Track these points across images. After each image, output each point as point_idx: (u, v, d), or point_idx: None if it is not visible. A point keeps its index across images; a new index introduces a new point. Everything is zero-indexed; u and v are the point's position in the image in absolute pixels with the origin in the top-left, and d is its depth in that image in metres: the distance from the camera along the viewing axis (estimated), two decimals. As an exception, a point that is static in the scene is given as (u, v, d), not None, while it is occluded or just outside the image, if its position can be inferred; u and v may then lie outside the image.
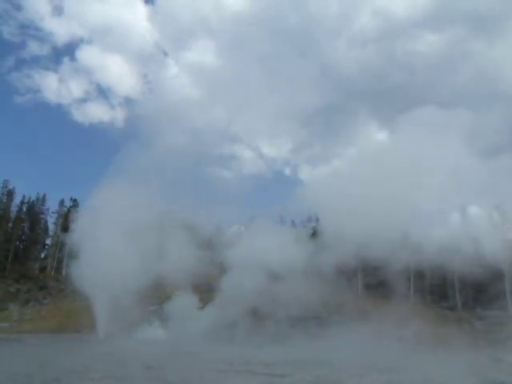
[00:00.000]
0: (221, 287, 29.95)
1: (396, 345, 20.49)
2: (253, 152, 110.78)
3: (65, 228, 47.73)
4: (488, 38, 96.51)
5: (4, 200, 48.32)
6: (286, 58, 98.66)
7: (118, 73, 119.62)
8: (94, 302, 27.79)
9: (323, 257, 28.99)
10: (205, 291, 32.35)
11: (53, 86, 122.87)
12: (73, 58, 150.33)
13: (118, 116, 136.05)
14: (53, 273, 46.22)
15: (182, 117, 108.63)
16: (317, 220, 50.95)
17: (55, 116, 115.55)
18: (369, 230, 25.69)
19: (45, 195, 52.41)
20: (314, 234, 41.38)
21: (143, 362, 15.11)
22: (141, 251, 27.54)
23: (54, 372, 12.11)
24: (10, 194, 48.90)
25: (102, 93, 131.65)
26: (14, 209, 49.58)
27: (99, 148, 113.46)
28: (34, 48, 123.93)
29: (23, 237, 51.65)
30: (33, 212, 51.58)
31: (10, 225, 48.99)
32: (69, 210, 49.76)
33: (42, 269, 47.34)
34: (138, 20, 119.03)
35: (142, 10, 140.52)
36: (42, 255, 52.31)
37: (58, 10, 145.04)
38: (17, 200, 49.79)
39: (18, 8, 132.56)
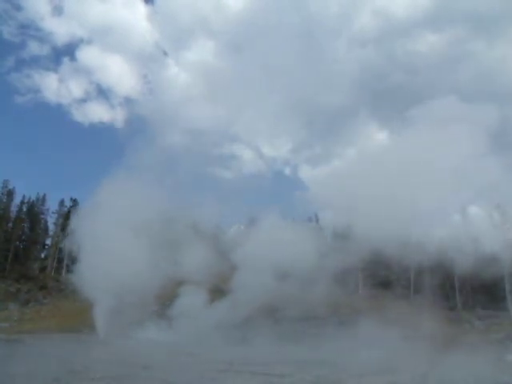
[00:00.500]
0: (232, 286, 29.64)
1: (396, 345, 20.46)
2: (253, 152, 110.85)
3: (65, 228, 47.80)
4: (488, 38, 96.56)
5: (4, 200, 48.35)
6: (286, 57, 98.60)
7: (118, 73, 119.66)
8: (94, 302, 27.75)
9: (336, 255, 28.75)
10: (214, 292, 32.07)
11: (53, 86, 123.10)
12: (73, 58, 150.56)
13: (118, 116, 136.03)
14: (53, 273, 46.27)
15: (181, 117, 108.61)
16: (317, 220, 50.98)
17: (55, 116, 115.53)
18: (379, 229, 25.61)
19: (45, 195, 52.50)
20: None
21: (143, 362, 15.10)
22: (149, 251, 27.41)
23: (54, 372, 12.10)
24: (10, 193, 48.94)
25: (102, 93, 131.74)
26: (13, 209, 49.66)
27: (99, 148, 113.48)
28: (34, 48, 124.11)
29: (23, 237, 51.68)
30: (33, 212, 51.61)
31: (10, 225, 49.02)
32: (69, 210, 49.81)
33: (42, 269, 47.41)
34: (138, 20, 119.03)
35: (142, 9, 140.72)
36: (42, 255, 52.37)
37: (58, 10, 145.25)
38: (17, 200, 49.89)
39: (18, 8, 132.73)
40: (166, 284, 29.21)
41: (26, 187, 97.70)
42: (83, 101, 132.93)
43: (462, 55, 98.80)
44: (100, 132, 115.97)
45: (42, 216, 52.19)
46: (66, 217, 49.63)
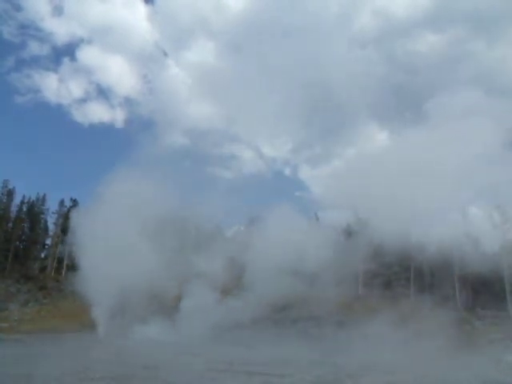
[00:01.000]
0: (243, 283, 29.44)
1: (396, 345, 20.46)
2: (253, 152, 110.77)
3: (65, 228, 47.80)
4: (488, 38, 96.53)
5: (4, 200, 48.33)
6: (286, 57, 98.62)
7: (118, 73, 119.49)
8: (94, 302, 27.73)
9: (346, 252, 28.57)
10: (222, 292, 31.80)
11: (53, 86, 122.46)
12: (73, 58, 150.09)
13: (118, 116, 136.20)
14: (53, 273, 46.24)
15: (181, 117, 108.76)
16: (317, 220, 50.92)
17: (55, 116, 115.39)
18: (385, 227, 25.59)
19: (45, 195, 52.44)
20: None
21: (143, 362, 15.11)
22: (155, 250, 27.31)
23: (53, 372, 12.10)
24: (10, 194, 48.91)
25: (102, 93, 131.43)
26: (13, 209, 49.59)
27: (99, 148, 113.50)
28: (34, 48, 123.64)
29: (23, 237, 51.66)
30: (33, 212, 51.59)
31: (10, 225, 49.01)
32: (69, 210, 49.79)
33: (42, 269, 47.36)
34: (138, 20, 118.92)
35: (142, 10, 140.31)
36: (42, 255, 52.33)
37: (58, 10, 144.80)
38: (17, 200, 49.83)
39: (18, 8, 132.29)
40: (169, 284, 29.11)
41: (26, 187, 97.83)
42: (83, 101, 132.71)
43: (462, 55, 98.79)
44: (100, 132, 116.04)
45: (42, 216, 52.17)
46: (65, 217, 49.63)
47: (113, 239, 27.00)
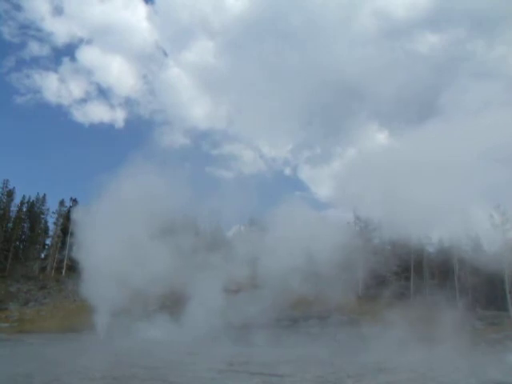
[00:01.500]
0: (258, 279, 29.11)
1: (396, 345, 20.46)
2: (253, 152, 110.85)
3: (65, 228, 47.81)
4: (488, 38, 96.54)
5: (4, 200, 48.37)
6: (286, 57, 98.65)
7: (118, 73, 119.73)
8: (95, 301, 27.68)
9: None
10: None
11: (53, 86, 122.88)
12: (73, 58, 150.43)
13: (118, 116, 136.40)
14: (53, 273, 46.24)
15: (181, 117, 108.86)
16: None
17: (55, 116, 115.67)
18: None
19: (45, 195, 52.52)
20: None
21: (143, 362, 15.11)
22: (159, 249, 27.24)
23: (53, 372, 12.10)
24: (10, 194, 48.95)
25: (102, 93, 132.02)
26: (13, 209, 49.66)
27: (99, 148, 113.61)
28: (34, 48, 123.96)
29: (23, 237, 51.72)
30: (33, 212, 51.62)
31: (10, 225, 49.02)
32: (69, 210, 49.80)
33: (42, 269, 47.36)
34: (138, 20, 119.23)
35: (142, 9, 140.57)
36: (42, 255, 52.33)
37: (58, 11, 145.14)
38: (17, 200, 49.92)
39: (18, 8, 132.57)
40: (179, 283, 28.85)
41: (26, 187, 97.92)
42: (83, 101, 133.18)
43: (462, 55, 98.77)
44: (100, 132, 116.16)
45: (42, 216, 52.21)
46: (66, 217, 49.64)
47: (120, 238, 26.84)
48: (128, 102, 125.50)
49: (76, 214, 34.68)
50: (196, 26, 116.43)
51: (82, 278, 28.20)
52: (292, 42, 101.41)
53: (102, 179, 29.23)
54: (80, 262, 29.30)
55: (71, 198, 52.11)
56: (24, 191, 72.51)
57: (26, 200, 51.13)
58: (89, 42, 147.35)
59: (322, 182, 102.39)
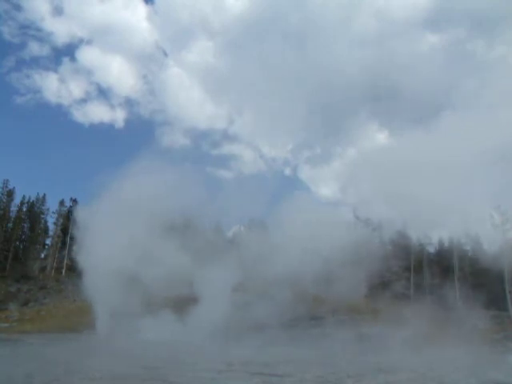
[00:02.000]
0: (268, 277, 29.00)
1: (396, 345, 20.47)
2: (253, 152, 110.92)
3: (65, 228, 47.82)
4: (488, 38, 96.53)
5: (4, 200, 48.39)
6: (286, 58, 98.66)
7: (118, 73, 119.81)
8: (95, 301, 27.68)
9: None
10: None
11: (53, 86, 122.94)
12: (73, 58, 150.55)
13: (118, 116, 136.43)
14: (53, 273, 46.25)
15: (181, 117, 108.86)
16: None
17: (55, 116, 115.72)
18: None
19: (45, 195, 52.55)
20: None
21: (143, 362, 15.10)
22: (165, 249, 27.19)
23: (53, 372, 12.09)
24: (10, 194, 48.98)
25: (102, 93, 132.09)
26: (13, 209, 49.70)
27: (99, 148, 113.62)
28: (34, 48, 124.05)
29: (23, 237, 51.74)
30: (33, 212, 51.64)
31: (10, 225, 49.03)
32: (69, 210, 49.83)
33: (42, 269, 47.39)
34: (138, 20, 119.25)
35: (142, 10, 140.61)
36: (42, 255, 52.35)
37: (58, 11, 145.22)
38: (17, 200, 49.98)
39: (18, 8, 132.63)
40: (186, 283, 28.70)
41: (26, 187, 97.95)
42: (83, 101, 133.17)
43: (462, 55, 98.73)
44: (100, 132, 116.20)
45: (42, 216, 52.22)
46: (66, 217, 49.66)
47: (120, 238, 26.80)
48: (128, 102, 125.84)
49: (76, 214, 34.63)
50: (196, 26, 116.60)
51: (82, 278, 28.21)
52: (292, 42, 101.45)
53: (102, 179, 29.19)
54: (80, 262, 29.28)
55: (71, 198, 52.26)
56: (24, 191, 72.69)
57: (26, 200, 51.22)
58: (89, 42, 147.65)
59: (322, 181, 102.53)
